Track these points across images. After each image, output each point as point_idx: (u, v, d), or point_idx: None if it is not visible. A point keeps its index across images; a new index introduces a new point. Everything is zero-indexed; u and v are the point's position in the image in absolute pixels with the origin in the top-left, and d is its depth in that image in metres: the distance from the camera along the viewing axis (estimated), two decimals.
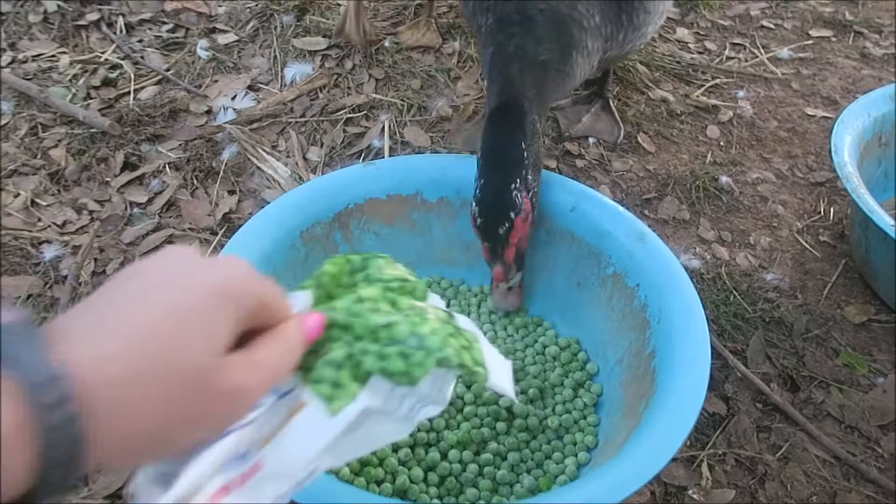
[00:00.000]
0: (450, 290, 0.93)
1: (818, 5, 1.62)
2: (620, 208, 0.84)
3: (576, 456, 0.75)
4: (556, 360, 0.85)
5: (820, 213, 1.12)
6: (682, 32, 1.52)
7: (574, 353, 0.86)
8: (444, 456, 0.74)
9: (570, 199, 0.86)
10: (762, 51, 1.47)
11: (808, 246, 1.07)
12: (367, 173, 0.88)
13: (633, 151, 1.21)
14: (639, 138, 1.22)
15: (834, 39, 1.52)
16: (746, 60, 1.44)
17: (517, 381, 0.83)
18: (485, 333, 0.86)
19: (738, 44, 1.50)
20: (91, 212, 1.07)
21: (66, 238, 1.02)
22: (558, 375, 0.83)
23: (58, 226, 1.04)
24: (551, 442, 0.78)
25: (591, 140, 1.20)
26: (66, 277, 0.95)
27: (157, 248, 1.02)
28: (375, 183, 0.88)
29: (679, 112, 1.30)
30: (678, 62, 1.42)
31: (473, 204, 0.79)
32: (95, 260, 1.00)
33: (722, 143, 1.25)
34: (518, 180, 0.77)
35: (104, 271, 0.98)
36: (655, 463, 0.58)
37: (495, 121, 0.81)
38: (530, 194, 0.79)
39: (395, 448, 0.74)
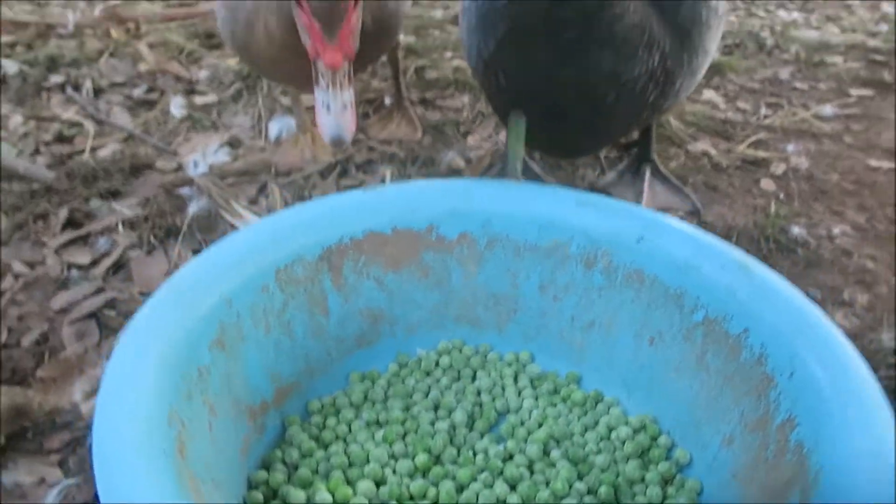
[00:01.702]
0: (475, 359, 0.70)
1: (850, 68, 1.50)
2: (708, 235, 0.63)
3: None
4: (628, 448, 0.61)
5: None
6: (709, 94, 1.38)
7: (653, 437, 0.62)
8: None
9: (636, 227, 0.65)
10: (803, 109, 1.33)
11: None
12: (366, 200, 0.68)
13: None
14: (686, 190, 1.03)
15: (878, 97, 1.38)
16: (787, 118, 1.29)
17: (579, 475, 0.58)
18: (529, 414, 0.63)
19: (773, 103, 1.36)
20: (17, 275, 0.85)
21: None
22: (636, 468, 0.59)
23: None
24: None
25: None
26: None
27: (91, 315, 0.79)
28: (377, 213, 0.67)
29: (725, 165, 1.12)
30: (711, 119, 1.27)
31: None
32: (10, 330, 0.76)
33: (782, 196, 1.06)
34: None
35: (18, 342, 0.75)
36: None
37: None
38: None
39: None
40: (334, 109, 0.63)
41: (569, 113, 0.77)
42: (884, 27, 1.78)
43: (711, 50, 0.85)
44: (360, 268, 0.67)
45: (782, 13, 1.93)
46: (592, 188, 1.04)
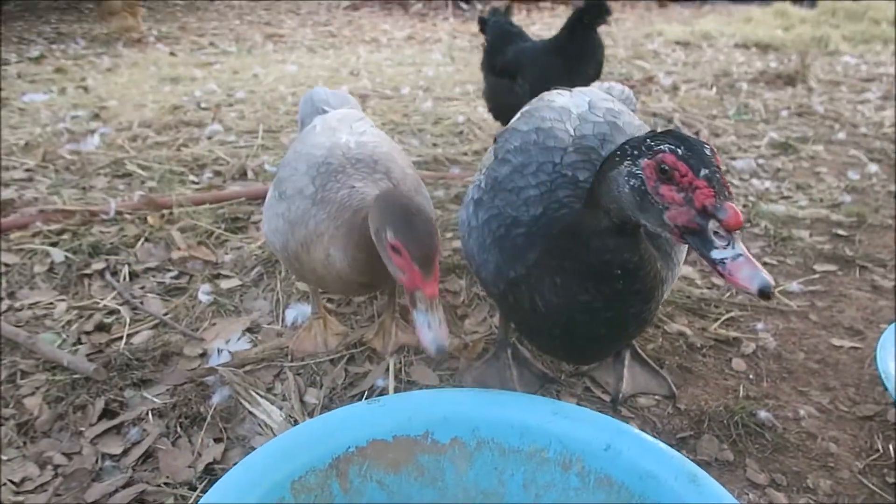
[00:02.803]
0: None
1: (816, 243, 1.64)
2: (664, 446, 0.73)
3: None
4: None
5: (879, 450, 0.99)
6: (686, 270, 1.52)
7: None
8: None
9: (604, 437, 0.75)
10: None
11: (876, 489, 0.92)
12: (370, 412, 0.78)
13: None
14: (663, 373, 1.13)
15: (840, 273, 1.51)
16: None
17: None
18: None
19: None
20: (56, 466, 0.95)
21: (20, 498, 0.89)
22: None
23: (14, 483, 0.91)
24: None
25: (640, 400, 1.09)
26: None
27: None
28: (379, 422, 0.78)
29: (699, 345, 1.23)
30: (688, 297, 1.39)
31: (666, 149, 0.68)
32: None
33: (751, 377, 1.16)
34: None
35: None
36: None
37: None
38: None
39: None
40: (434, 327, 0.78)
41: (591, 335, 0.84)
42: (847, 198, 1.94)
43: (681, 262, 0.98)
44: (364, 472, 0.76)
45: (756, 182, 2.11)
46: (577, 372, 1.15)
